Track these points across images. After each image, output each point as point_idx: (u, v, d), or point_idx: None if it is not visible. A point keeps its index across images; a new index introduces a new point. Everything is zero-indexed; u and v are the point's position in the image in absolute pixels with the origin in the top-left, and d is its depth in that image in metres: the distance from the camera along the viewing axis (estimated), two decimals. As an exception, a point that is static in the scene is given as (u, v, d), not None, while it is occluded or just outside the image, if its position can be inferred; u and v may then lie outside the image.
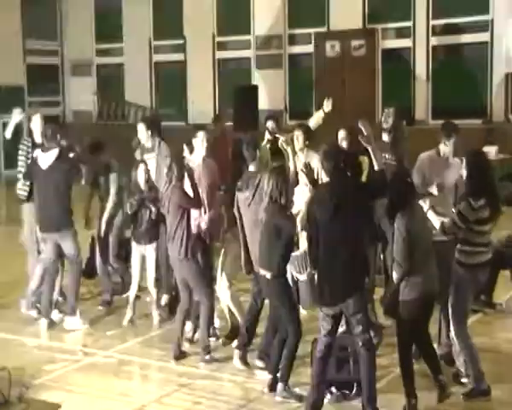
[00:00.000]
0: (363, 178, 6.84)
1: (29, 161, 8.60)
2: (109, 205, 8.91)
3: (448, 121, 7.39)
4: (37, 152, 8.37)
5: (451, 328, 6.32)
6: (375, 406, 5.83)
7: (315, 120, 8.37)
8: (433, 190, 6.73)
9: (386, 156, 7.63)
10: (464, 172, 6.27)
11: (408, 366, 6.01)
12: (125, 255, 9.12)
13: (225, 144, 11.13)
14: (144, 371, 7.14)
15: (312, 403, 5.92)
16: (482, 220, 6.14)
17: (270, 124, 8.72)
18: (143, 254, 8.33)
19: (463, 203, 6.13)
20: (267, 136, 8.64)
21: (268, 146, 8.37)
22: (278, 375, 6.39)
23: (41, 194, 8.27)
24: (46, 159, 8.19)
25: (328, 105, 8.39)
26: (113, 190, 8.90)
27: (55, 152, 8.19)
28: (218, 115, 9.04)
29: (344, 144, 7.46)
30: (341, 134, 7.55)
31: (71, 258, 8.39)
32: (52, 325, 8.36)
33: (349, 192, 5.92)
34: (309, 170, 6.52)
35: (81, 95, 24.03)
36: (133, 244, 8.41)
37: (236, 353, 7.03)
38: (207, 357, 7.17)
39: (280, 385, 6.31)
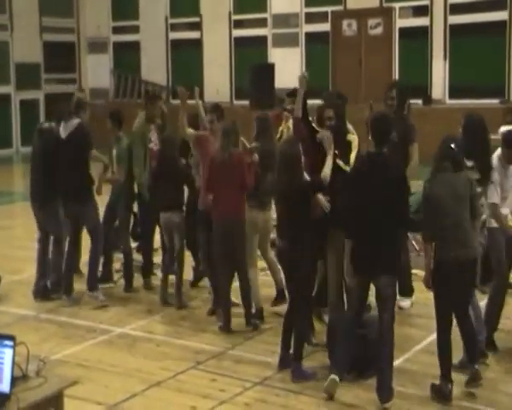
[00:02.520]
0: (353, 158, 6.69)
1: None
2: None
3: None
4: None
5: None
6: (391, 392, 5.84)
7: None
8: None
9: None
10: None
11: (442, 342, 5.95)
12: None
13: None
14: (160, 348, 7.17)
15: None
16: None
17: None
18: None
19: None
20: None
21: None
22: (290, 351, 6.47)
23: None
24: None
25: None
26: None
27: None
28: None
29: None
30: (328, 113, 7.52)
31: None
32: (74, 301, 8.44)
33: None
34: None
35: (97, 72, 24.07)
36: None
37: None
38: None
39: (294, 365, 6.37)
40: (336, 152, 6.57)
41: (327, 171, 6.41)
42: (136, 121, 8.99)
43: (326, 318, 7.07)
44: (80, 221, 8.50)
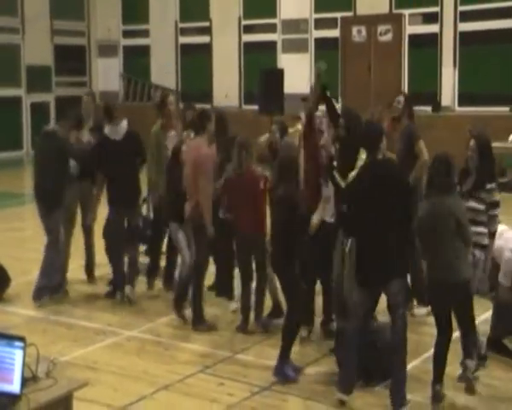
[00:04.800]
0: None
1: None
2: None
3: None
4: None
5: None
6: (404, 397, 5.85)
7: None
8: None
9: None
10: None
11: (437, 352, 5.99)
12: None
13: None
14: (169, 352, 7.21)
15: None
16: None
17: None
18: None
19: None
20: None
21: None
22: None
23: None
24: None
25: None
26: None
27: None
28: None
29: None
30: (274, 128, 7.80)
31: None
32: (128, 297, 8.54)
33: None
34: None
35: (107, 76, 24.15)
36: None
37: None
38: None
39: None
40: (335, 164, 6.60)
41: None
42: (153, 129, 9.02)
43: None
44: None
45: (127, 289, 8.55)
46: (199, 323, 7.69)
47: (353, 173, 6.39)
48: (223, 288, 8.41)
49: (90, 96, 9.83)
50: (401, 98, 8.17)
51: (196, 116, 7.98)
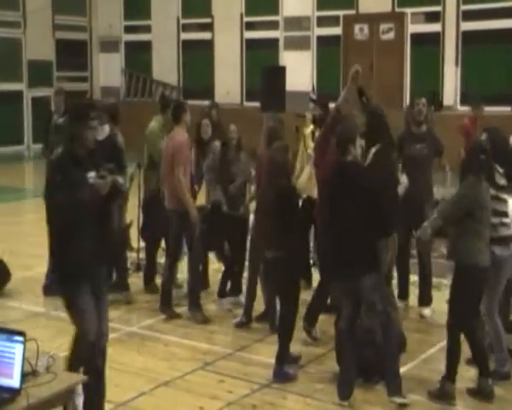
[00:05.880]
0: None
1: None
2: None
3: None
4: None
5: (482, 305, 6.14)
6: (399, 385, 5.86)
7: None
8: None
9: (418, 147, 7.72)
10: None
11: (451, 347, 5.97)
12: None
13: None
14: (168, 348, 7.19)
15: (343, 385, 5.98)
16: None
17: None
18: None
19: None
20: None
21: None
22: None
23: None
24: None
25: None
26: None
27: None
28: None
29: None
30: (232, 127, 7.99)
31: None
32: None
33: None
34: None
35: (109, 71, 24.15)
36: None
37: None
38: None
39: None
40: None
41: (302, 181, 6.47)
42: (150, 124, 8.92)
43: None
44: None
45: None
46: (196, 309, 7.75)
47: None
48: (233, 288, 8.37)
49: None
50: (423, 101, 8.08)
51: (172, 108, 8.06)
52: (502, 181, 6.19)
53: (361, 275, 5.84)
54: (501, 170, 6.22)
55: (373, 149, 6.59)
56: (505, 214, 6.19)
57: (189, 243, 7.89)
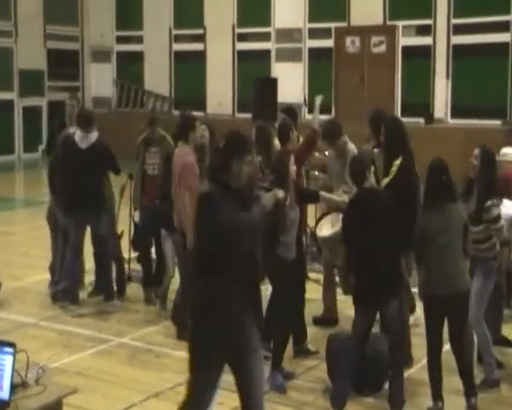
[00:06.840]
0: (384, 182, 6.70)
1: None
2: None
3: None
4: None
5: (470, 313, 6.11)
6: (402, 403, 5.88)
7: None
8: None
9: None
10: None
11: (431, 367, 5.95)
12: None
13: None
14: (160, 360, 7.17)
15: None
16: None
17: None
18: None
19: None
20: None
21: None
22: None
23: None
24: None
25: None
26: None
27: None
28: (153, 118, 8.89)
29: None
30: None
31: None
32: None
33: None
34: None
35: (100, 81, 24.13)
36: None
37: None
38: None
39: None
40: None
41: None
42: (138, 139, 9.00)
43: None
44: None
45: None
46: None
47: (386, 180, 6.47)
48: None
49: (75, 100, 9.95)
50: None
51: (180, 123, 7.91)
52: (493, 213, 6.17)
53: (388, 299, 5.88)
54: (488, 203, 6.16)
55: (397, 162, 6.54)
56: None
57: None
